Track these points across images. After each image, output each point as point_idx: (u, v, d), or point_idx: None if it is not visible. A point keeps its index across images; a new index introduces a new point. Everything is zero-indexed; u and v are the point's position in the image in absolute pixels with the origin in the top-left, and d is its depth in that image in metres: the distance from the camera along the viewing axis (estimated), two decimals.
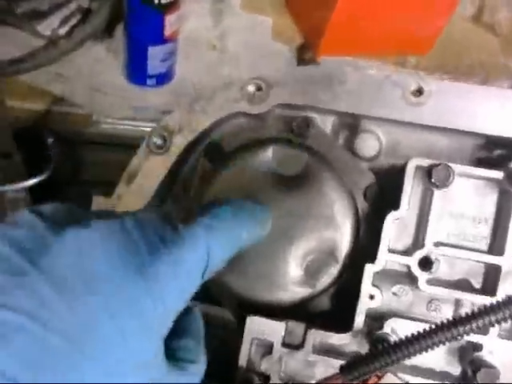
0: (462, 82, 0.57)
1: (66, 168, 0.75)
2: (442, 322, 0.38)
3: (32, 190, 0.71)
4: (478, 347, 0.43)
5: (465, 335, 0.37)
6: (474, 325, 0.37)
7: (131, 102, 0.80)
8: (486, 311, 0.37)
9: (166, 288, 0.36)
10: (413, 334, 0.38)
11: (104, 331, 0.35)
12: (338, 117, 0.51)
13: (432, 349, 0.38)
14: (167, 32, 0.95)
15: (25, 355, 0.33)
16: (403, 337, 0.38)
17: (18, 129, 0.72)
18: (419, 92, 0.49)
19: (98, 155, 0.78)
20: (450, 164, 0.42)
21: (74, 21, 1.14)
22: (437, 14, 1.20)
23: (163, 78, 1.05)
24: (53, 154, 0.71)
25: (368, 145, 0.50)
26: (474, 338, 0.43)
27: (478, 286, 0.45)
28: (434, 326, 0.38)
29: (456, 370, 0.44)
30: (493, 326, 0.37)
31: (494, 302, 0.38)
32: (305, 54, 1.16)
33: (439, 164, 0.42)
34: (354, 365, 0.38)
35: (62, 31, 1.12)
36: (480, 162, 0.49)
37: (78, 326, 0.35)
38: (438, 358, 0.45)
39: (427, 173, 0.42)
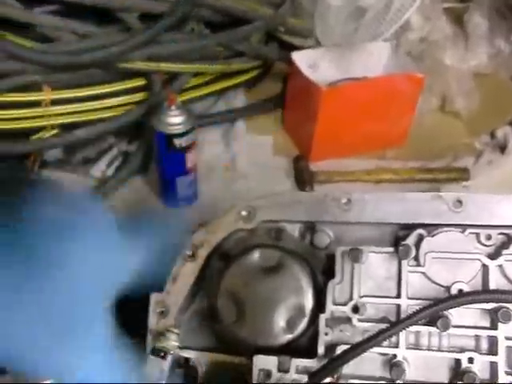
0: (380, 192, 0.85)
1: None
2: (370, 335, 0.65)
3: None
4: (395, 356, 0.69)
5: (383, 341, 0.64)
6: (388, 333, 0.64)
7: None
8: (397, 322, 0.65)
9: None
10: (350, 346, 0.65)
11: None
12: (302, 224, 0.79)
13: (364, 352, 0.65)
14: (189, 165, 1.29)
15: None
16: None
17: None
18: (349, 201, 0.77)
19: None
20: (360, 247, 0.70)
21: (116, 163, 1.49)
22: (401, 114, 1.52)
23: (191, 199, 1.38)
24: None
25: (322, 239, 0.78)
26: (391, 350, 0.69)
27: (393, 319, 0.72)
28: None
29: (387, 373, 0.70)
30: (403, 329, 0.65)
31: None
32: (300, 163, 1.47)
33: (355, 248, 0.70)
34: (316, 372, 0.66)
35: (109, 172, 1.47)
36: (397, 239, 0.76)
37: None
38: (375, 367, 0.71)
39: (348, 254, 0.71)
